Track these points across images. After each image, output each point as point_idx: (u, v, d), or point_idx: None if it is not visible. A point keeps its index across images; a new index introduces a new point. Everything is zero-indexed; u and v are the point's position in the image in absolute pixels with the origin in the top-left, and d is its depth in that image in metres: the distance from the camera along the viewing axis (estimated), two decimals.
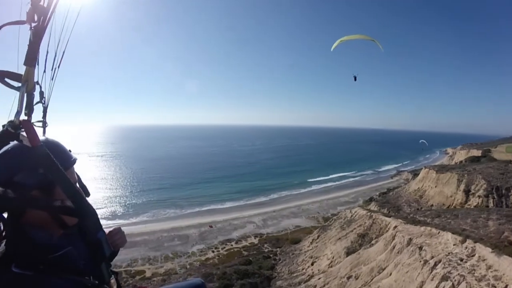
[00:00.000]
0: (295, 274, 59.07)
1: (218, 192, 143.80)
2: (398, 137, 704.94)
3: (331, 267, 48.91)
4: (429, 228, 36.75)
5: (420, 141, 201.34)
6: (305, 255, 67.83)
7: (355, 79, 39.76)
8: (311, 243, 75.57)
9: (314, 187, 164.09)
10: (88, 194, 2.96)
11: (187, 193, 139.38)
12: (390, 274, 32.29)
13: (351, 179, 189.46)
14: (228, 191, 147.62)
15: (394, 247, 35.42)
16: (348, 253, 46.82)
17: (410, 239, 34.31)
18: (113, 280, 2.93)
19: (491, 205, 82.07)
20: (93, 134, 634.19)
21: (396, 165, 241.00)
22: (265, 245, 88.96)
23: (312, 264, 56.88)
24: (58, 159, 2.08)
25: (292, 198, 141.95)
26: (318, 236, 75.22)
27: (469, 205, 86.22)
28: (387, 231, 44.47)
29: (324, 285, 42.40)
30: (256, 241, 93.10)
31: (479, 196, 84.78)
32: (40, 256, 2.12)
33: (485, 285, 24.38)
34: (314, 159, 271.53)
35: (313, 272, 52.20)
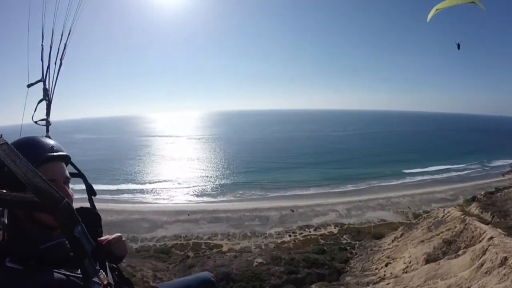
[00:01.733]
0: (366, 273, 53.75)
1: (304, 178, 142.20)
2: None
3: (406, 272, 42.82)
4: None
5: None
6: (382, 253, 61.43)
7: (459, 47, 36.10)
8: (393, 241, 68.43)
9: (408, 179, 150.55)
10: (94, 193, 3.31)
11: (273, 176, 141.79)
12: None
13: (453, 173, 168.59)
14: (314, 177, 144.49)
15: (482, 265, 28.38)
16: (428, 261, 40.15)
17: (506, 258, 26.94)
18: (108, 276, 2.77)
19: None
20: (193, 120, 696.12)
21: (509, 160, 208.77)
22: (344, 236, 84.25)
23: (386, 266, 50.85)
24: (26, 155, 2.00)
25: (381, 189, 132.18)
26: (402, 235, 67.74)
27: None
28: (479, 241, 36.90)
29: None
30: (335, 230, 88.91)
31: None
32: (32, 250, 2.28)
33: None
34: (411, 148, 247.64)
35: (384, 275, 46.43)
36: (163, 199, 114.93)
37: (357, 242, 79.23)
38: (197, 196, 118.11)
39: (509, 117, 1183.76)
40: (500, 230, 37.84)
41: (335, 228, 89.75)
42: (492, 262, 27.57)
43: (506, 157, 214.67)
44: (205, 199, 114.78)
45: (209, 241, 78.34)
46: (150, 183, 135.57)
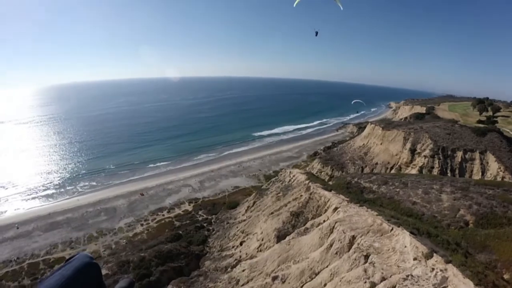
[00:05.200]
0: (224, 253, 50.41)
1: (153, 155, 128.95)
2: (346, 90, 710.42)
3: (260, 251, 40.49)
4: (378, 220, 27.56)
5: (353, 102, 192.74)
6: (237, 227, 59.11)
7: (316, 34, 41.25)
8: (246, 210, 67.12)
9: (256, 143, 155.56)
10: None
11: (119, 159, 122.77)
12: (325, 286, 23.87)
13: (297, 132, 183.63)
14: (164, 152, 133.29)
15: (331, 245, 26.50)
16: (278, 237, 38.17)
17: (353, 237, 25.31)
18: None
19: (436, 165, 77.77)
20: (23, 98, 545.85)
21: (341, 117, 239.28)
22: (200, 212, 79.60)
23: (241, 244, 48.20)
24: None
25: (233, 155, 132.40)
26: (254, 203, 66.76)
27: (414, 165, 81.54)
28: (325, 210, 36.01)
29: (247, 281, 33.76)
30: (190, 207, 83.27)
31: (425, 156, 79.94)
32: None
33: None
34: (259, 111, 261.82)
35: (240, 256, 43.46)
36: None
37: (213, 216, 76.08)
38: (27, 199, 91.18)
39: (339, 82, 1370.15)
40: (343, 197, 37.80)
41: (189, 205, 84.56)
42: (341, 242, 25.66)
43: (339, 115, 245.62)
44: (38, 202, 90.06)
45: (48, 256, 62.21)
46: None
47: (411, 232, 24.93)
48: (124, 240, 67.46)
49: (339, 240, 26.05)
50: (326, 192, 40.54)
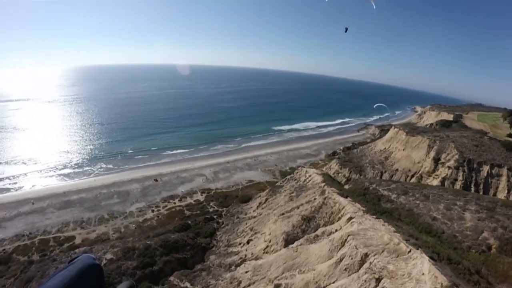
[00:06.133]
0: (230, 249, 49.24)
1: (171, 142, 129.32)
2: (371, 90, 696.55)
3: (266, 252, 38.98)
4: (396, 239, 25.32)
5: (375, 106, 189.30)
6: (247, 224, 57.82)
7: (346, 31, 40.56)
8: (258, 207, 65.59)
9: (275, 137, 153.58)
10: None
11: (137, 144, 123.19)
12: None
13: (317, 130, 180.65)
14: (182, 140, 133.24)
15: (341, 260, 24.65)
16: (287, 241, 36.55)
17: (366, 255, 23.35)
18: None
19: (460, 178, 73.25)
20: (51, 77, 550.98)
21: (364, 118, 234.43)
22: (211, 204, 78.56)
23: (248, 243, 46.78)
24: None
25: (250, 148, 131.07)
26: (266, 200, 65.20)
27: (436, 175, 77.56)
28: (339, 218, 34.07)
29: (249, 285, 32.33)
30: (202, 198, 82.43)
31: (449, 167, 75.74)
32: None
33: None
34: (281, 105, 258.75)
35: (245, 255, 42.09)
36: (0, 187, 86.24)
37: (224, 209, 74.99)
38: (45, 177, 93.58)
39: (364, 81, 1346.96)
40: (359, 205, 35.69)
41: (201, 195, 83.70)
42: (352, 259, 23.76)
43: (362, 115, 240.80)
44: (55, 180, 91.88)
45: (59, 234, 62.92)
46: None
47: (431, 257, 22.75)
48: (134, 225, 67.30)
49: (350, 256, 24.14)
50: (341, 199, 38.49)
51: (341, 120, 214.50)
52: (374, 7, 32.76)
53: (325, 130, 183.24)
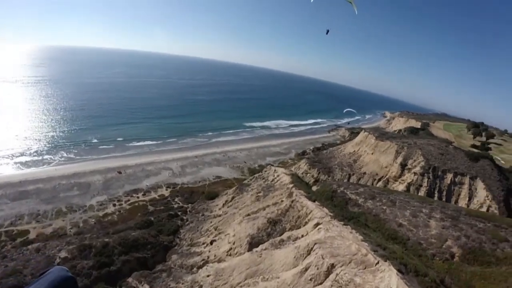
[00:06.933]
0: (193, 249, 47.23)
1: (138, 133, 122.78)
2: (345, 93, 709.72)
3: (230, 255, 37.43)
4: (363, 250, 24.32)
5: (345, 111, 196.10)
6: (211, 222, 56.07)
7: (327, 33, 41.47)
8: (224, 205, 63.72)
9: (247, 134, 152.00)
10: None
11: (102, 133, 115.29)
12: None
13: (289, 129, 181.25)
14: (151, 131, 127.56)
15: (306, 269, 23.38)
16: (251, 244, 35.10)
17: (333, 266, 22.23)
18: None
19: (424, 184, 75.12)
20: (16, 56, 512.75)
21: (336, 120, 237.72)
22: (176, 199, 75.79)
23: (211, 243, 44.92)
24: None
25: (220, 143, 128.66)
26: (233, 198, 63.40)
27: (403, 180, 78.96)
28: (306, 223, 32.99)
29: None
30: (167, 193, 79.37)
31: (415, 173, 77.35)
32: None
33: None
34: (255, 102, 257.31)
35: (208, 257, 40.29)
36: None
37: (189, 205, 72.59)
38: (0, 164, 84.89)
39: (340, 84, 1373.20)
40: (327, 210, 34.70)
41: (167, 190, 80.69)
42: (318, 269, 22.54)
43: (334, 117, 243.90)
44: (10, 168, 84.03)
45: (11, 227, 57.42)
46: None
47: (399, 270, 21.94)
48: (93, 220, 63.33)
49: (315, 266, 22.96)
50: (309, 203, 37.41)
51: (313, 121, 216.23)
52: (356, 12, 33.32)
53: (296, 129, 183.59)
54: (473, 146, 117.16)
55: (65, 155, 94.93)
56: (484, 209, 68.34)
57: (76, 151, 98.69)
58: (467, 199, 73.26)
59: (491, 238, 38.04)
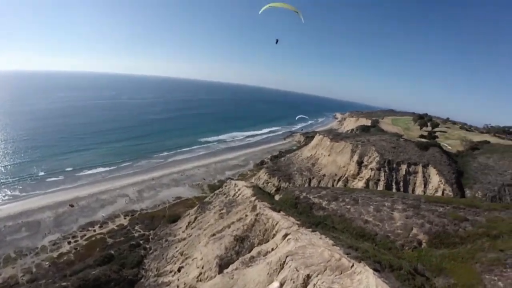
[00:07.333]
0: (161, 280, 44.36)
1: (88, 161, 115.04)
2: (297, 100, 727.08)
3: (200, 280, 35.40)
4: (336, 255, 23.67)
5: (297, 118, 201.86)
6: (176, 248, 53.46)
7: (277, 42, 42.50)
8: (187, 227, 61.25)
9: (203, 150, 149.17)
10: None
11: (48, 165, 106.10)
12: None
13: (245, 140, 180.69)
14: (102, 157, 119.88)
15: (282, 285, 22.29)
16: (220, 266, 33.44)
17: (308, 277, 21.29)
18: None
19: (382, 178, 77.86)
20: None
21: (290, 126, 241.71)
22: (136, 227, 71.58)
23: (179, 271, 42.55)
24: None
25: (176, 162, 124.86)
26: (195, 219, 61.21)
27: (361, 177, 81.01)
28: (274, 235, 31.97)
29: None
30: (126, 221, 74.87)
31: (371, 169, 79.86)
32: None
33: None
34: (209, 117, 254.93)
35: (177, 286, 37.95)
36: None
37: (151, 232, 68.88)
38: None
39: (294, 92, 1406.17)
40: (293, 219, 33.95)
41: (125, 218, 76.39)
42: (294, 282, 21.42)
43: (288, 124, 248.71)
44: None
45: None
46: None
47: (375, 269, 21.50)
48: (47, 262, 57.72)
49: (291, 280, 21.87)
50: (274, 214, 36.45)
51: (268, 129, 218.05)
52: (303, 21, 34.55)
53: (252, 139, 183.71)
54: (421, 136, 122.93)
55: (8, 192, 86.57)
56: (439, 193, 71.97)
57: (21, 187, 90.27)
58: (423, 186, 76.87)
59: (452, 220, 39.61)
